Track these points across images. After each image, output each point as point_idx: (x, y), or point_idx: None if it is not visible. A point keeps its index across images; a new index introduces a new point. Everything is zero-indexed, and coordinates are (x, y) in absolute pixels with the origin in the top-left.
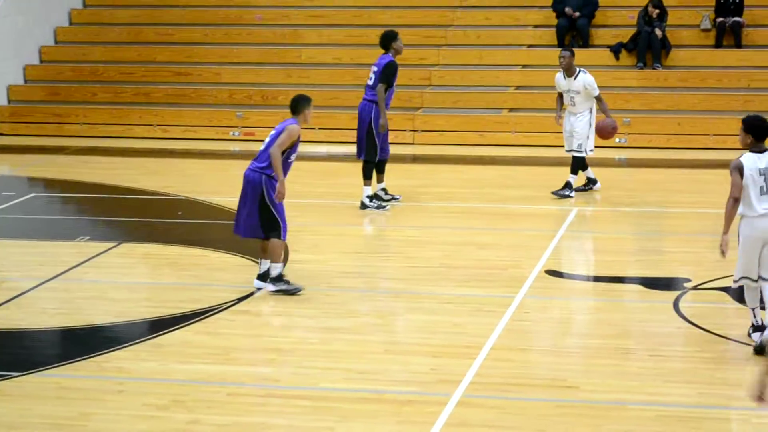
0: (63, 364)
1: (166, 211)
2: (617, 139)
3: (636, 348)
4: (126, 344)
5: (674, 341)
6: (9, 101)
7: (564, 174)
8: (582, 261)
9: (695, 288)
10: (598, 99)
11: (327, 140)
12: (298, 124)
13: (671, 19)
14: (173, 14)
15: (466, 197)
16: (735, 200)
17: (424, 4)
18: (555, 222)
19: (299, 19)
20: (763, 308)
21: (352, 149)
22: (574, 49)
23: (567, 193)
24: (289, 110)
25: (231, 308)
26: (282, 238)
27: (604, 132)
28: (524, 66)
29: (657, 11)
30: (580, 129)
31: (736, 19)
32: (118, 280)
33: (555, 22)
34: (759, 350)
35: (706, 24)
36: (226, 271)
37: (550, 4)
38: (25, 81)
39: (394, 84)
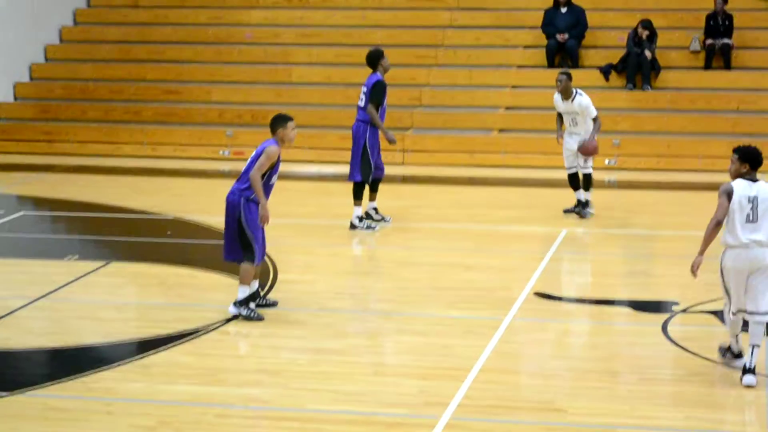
0: (50, 384)
1: (156, 230)
2: (606, 161)
3: (624, 371)
4: (114, 364)
5: (663, 364)
6: None
7: (554, 195)
8: (571, 283)
9: (684, 311)
10: (595, 120)
11: (317, 160)
12: (276, 144)
13: (661, 40)
14: (164, 32)
15: (455, 218)
16: (717, 223)
17: (414, 24)
18: (544, 244)
19: (289, 39)
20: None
21: (343, 169)
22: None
23: (590, 210)
24: None
25: (219, 329)
26: (255, 263)
27: (585, 150)
28: (514, 86)
29: (647, 33)
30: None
31: (726, 41)
32: (106, 299)
33: (545, 42)
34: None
35: (696, 46)
36: (215, 291)
37: (539, 24)
38: (15, 98)
39: (385, 102)
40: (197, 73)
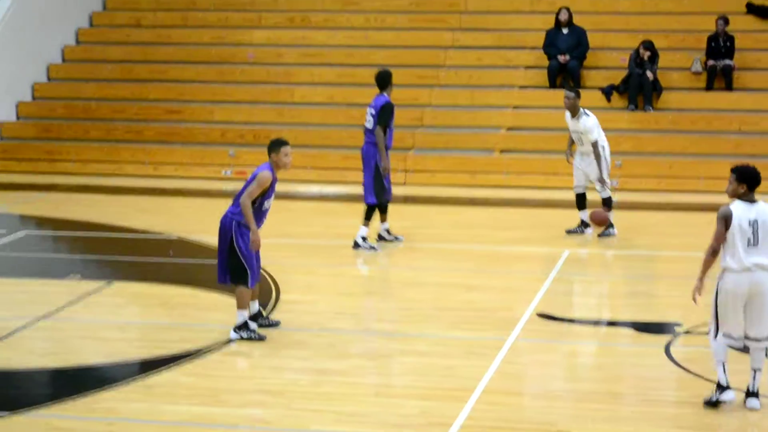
0: (52, 404)
1: (158, 250)
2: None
3: (627, 392)
4: (116, 384)
5: (665, 386)
6: (1, 138)
7: (556, 215)
8: (573, 304)
9: (686, 332)
10: (594, 145)
11: (319, 180)
12: (270, 169)
13: (662, 61)
14: (166, 52)
15: (457, 238)
16: (714, 251)
17: (416, 44)
18: (547, 264)
19: (292, 58)
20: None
21: (345, 189)
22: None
23: (611, 231)
24: None
25: (221, 349)
26: (250, 285)
27: (593, 220)
28: (516, 107)
29: (648, 54)
30: (593, 171)
31: (727, 62)
32: (108, 319)
33: (546, 63)
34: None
35: (698, 67)
36: (217, 311)
37: (541, 45)
38: (18, 118)
39: (392, 124)
40: (199, 93)
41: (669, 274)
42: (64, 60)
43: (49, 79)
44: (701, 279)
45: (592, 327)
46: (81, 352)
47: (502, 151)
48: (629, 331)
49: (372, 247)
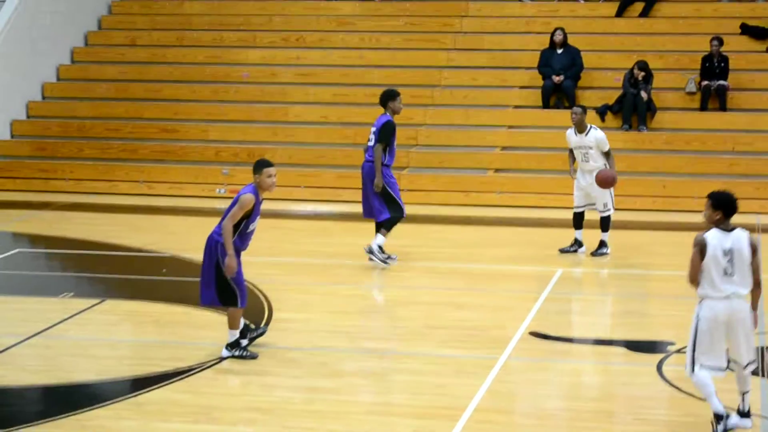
0: (44, 422)
1: (151, 268)
2: None
3: (619, 411)
4: (108, 402)
5: (658, 405)
6: None
7: (550, 234)
8: (566, 323)
9: (679, 351)
10: (608, 154)
11: (313, 198)
12: (254, 191)
13: (657, 81)
14: (161, 71)
15: (451, 257)
16: (693, 279)
17: (411, 63)
18: (539, 283)
19: (286, 78)
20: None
21: (339, 207)
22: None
23: (604, 251)
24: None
25: (214, 367)
26: (240, 306)
27: (603, 178)
28: (510, 127)
29: (642, 74)
30: (596, 191)
31: (722, 82)
32: (100, 337)
33: (541, 83)
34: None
35: (692, 87)
36: (210, 329)
37: (536, 65)
38: (12, 136)
39: (394, 144)
40: (194, 112)
41: (662, 293)
42: (59, 78)
43: (43, 97)
44: None
45: (585, 346)
46: (73, 370)
47: (496, 171)
48: (622, 350)
49: (385, 261)
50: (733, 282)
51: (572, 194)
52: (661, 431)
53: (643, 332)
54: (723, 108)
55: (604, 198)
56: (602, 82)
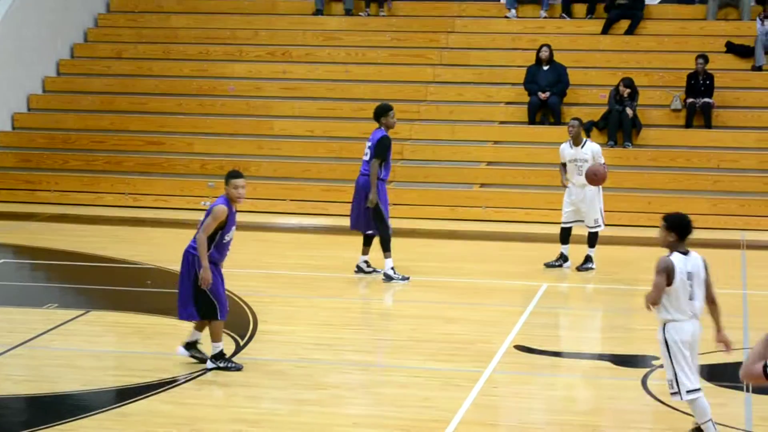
0: None
1: (136, 279)
2: None
3: (604, 425)
4: (91, 413)
5: (642, 419)
6: None
7: (535, 249)
8: (551, 337)
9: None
10: (603, 166)
11: (298, 212)
12: (226, 202)
13: (642, 98)
14: (146, 84)
15: (436, 271)
16: (655, 305)
17: (397, 79)
18: (525, 297)
19: (272, 92)
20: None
21: (324, 221)
22: (546, 125)
23: (590, 266)
24: (260, 181)
25: (198, 378)
26: (220, 318)
27: (593, 174)
28: (496, 142)
29: (628, 91)
30: (591, 206)
31: (707, 100)
32: (85, 348)
33: (527, 99)
34: None
35: (677, 104)
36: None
37: (522, 81)
38: None
39: (390, 158)
40: (180, 125)
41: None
42: (44, 90)
43: (29, 109)
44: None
45: (570, 360)
46: (57, 380)
47: (481, 186)
48: (607, 364)
49: (405, 278)
50: (694, 304)
51: (558, 209)
52: None
53: (628, 347)
54: (708, 125)
55: (595, 214)
56: (588, 98)
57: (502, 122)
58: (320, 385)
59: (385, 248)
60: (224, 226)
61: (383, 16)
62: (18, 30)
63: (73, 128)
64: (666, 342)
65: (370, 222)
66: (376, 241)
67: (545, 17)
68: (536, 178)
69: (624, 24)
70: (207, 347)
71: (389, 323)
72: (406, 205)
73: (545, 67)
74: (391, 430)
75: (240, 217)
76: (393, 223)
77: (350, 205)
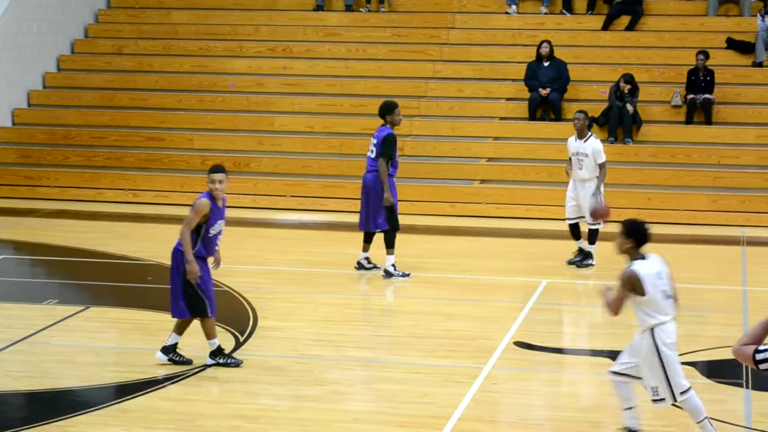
0: (27, 428)
1: (136, 275)
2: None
3: (605, 421)
4: (91, 409)
5: (642, 415)
6: None
7: (535, 245)
8: (551, 333)
9: None
10: (602, 166)
11: (298, 208)
12: (209, 196)
13: (642, 95)
14: (147, 80)
15: (436, 268)
16: (615, 314)
17: (397, 74)
18: (525, 294)
19: (272, 87)
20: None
21: (324, 217)
22: (546, 122)
23: (590, 262)
24: (260, 177)
25: (198, 374)
26: (210, 315)
27: (595, 214)
28: (496, 138)
29: (628, 87)
30: (588, 201)
31: (707, 96)
32: (85, 344)
33: (527, 95)
34: None
35: (677, 100)
36: (194, 336)
37: (522, 77)
38: None
39: (397, 155)
40: (180, 121)
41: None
42: (45, 86)
43: (30, 105)
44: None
45: (570, 356)
46: (57, 376)
47: (482, 182)
48: (607, 360)
49: (405, 275)
50: (671, 302)
51: (558, 205)
52: None
53: (626, 343)
54: (708, 121)
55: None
56: (588, 94)
57: (502, 118)
58: (320, 381)
59: (389, 245)
60: (207, 220)
61: (383, 12)
62: (18, 25)
63: (73, 124)
64: (657, 348)
65: (378, 219)
66: (377, 237)
67: (546, 13)
68: (536, 174)
69: (624, 20)
70: (202, 347)
71: (389, 319)
72: (406, 201)
73: (546, 63)
74: (391, 426)
75: (240, 213)
76: None
77: (349, 201)
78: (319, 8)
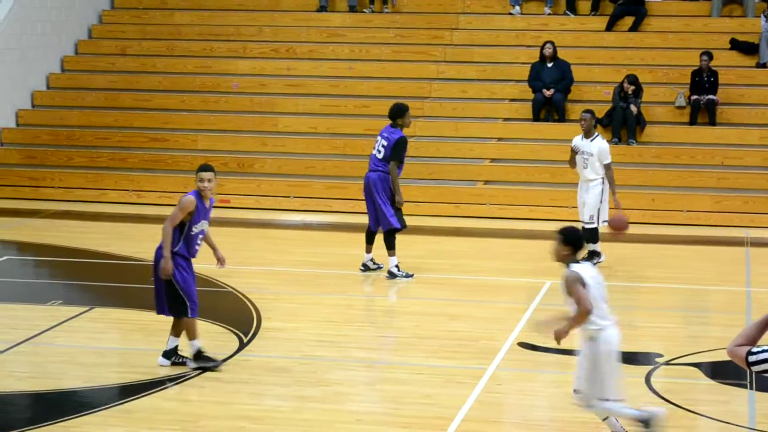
0: (31, 429)
1: (139, 276)
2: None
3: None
4: (95, 410)
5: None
6: None
7: (539, 246)
8: None
9: (667, 363)
10: (607, 167)
11: (302, 209)
12: (196, 195)
13: (646, 95)
14: (150, 80)
15: (440, 268)
16: (588, 313)
17: (401, 75)
18: (528, 295)
19: (276, 88)
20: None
21: (328, 218)
22: (550, 122)
23: (597, 260)
24: (264, 178)
25: (202, 375)
26: (190, 315)
27: (615, 226)
28: (500, 139)
29: (632, 88)
30: (591, 201)
31: (711, 97)
32: (88, 344)
33: (531, 96)
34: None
35: (681, 101)
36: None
37: (526, 78)
38: (1, 144)
39: (404, 157)
40: (184, 122)
41: (650, 306)
42: (48, 87)
43: (33, 105)
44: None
45: (574, 357)
46: (61, 377)
47: (485, 183)
48: None
49: (408, 275)
50: (606, 306)
51: (561, 206)
52: None
53: (631, 344)
54: (712, 122)
55: (591, 210)
56: (592, 95)
57: (506, 119)
58: (323, 382)
59: (390, 246)
60: (191, 218)
61: (387, 12)
62: (22, 27)
63: (77, 125)
64: (598, 355)
65: (392, 217)
66: (377, 238)
67: (549, 14)
68: (540, 175)
69: (628, 21)
70: (206, 347)
71: (393, 320)
72: (410, 202)
73: (549, 64)
74: (394, 427)
75: (244, 214)
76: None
77: (353, 202)
78: (322, 9)
